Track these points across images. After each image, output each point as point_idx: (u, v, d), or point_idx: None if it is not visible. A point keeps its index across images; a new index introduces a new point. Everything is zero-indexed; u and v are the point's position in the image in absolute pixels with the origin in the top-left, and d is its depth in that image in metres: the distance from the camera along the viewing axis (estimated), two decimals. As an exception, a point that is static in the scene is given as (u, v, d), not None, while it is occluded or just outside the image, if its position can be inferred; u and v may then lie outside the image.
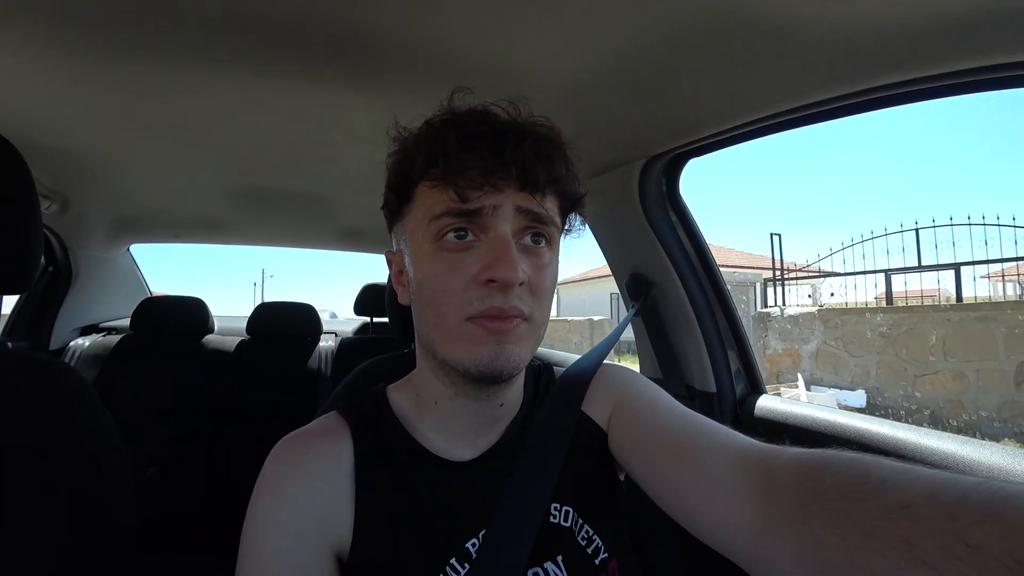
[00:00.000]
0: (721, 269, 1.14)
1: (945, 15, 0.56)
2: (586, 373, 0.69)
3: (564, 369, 0.71)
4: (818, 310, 6.78)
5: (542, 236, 0.53)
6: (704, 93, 0.85)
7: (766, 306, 7.47)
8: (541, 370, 0.70)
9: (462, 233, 0.51)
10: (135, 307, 2.04)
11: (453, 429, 0.58)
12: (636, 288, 1.18)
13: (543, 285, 0.53)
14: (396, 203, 0.57)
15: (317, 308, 2.25)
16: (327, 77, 0.94)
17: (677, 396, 1.19)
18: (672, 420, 0.58)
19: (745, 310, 9.82)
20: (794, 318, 6.75)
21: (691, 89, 0.84)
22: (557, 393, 0.65)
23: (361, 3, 0.72)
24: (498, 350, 0.49)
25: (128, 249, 2.49)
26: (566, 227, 0.59)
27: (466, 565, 0.52)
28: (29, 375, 0.72)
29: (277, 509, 0.51)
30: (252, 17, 0.76)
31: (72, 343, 2.03)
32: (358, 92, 0.99)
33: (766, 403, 1.08)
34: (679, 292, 1.12)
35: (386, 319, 2.26)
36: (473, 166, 0.49)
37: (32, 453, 0.67)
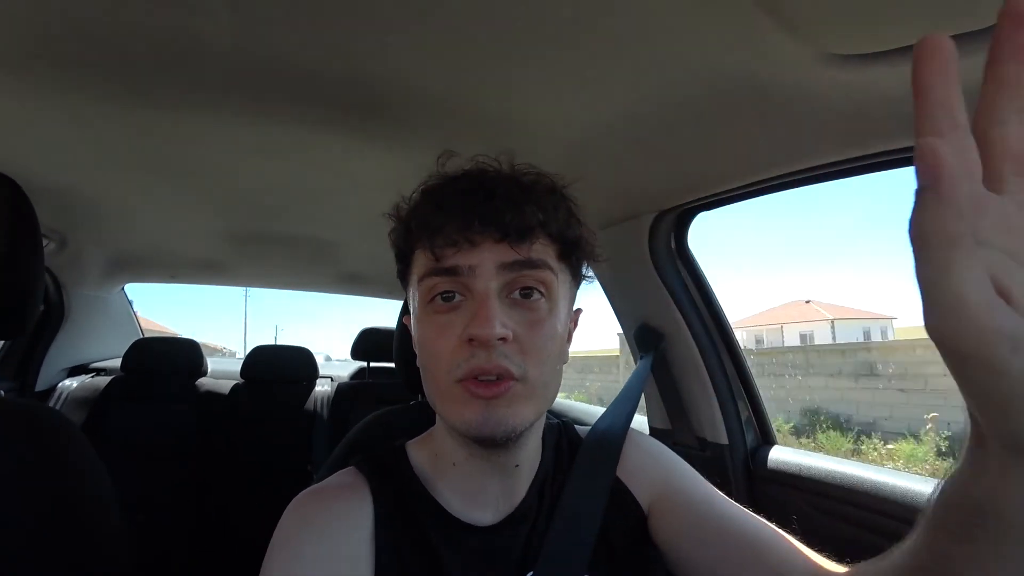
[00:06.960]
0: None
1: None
2: (616, 436, 0.66)
3: (588, 428, 0.69)
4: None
5: (534, 289, 0.50)
6: (714, 152, 0.86)
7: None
8: (562, 430, 0.67)
9: (449, 295, 0.50)
10: (126, 348, 2.00)
11: (472, 491, 0.56)
12: (645, 340, 1.17)
13: (535, 342, 0.49)
14: (401, 270, 0.58)
15: (312, 351, 2.22)
16: (332, 126, 0.94)
17: (688, 447, 1.18)
18: (735, 523, 0.55)
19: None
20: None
21: (701, 148, 0.86)
22: (587, 458, 0.63)
23: (365, 56, 0.72)
24: (487, 414, 0.47)
25: (123, 288, 2.45)
26: (572, 274, 0.56)
27: None
28: (13, 423, 0.70)
29: (293, 567, 0.49)
30: (257, 67, 0.76)
31: (60, 384, 1.96)
32: (362, 141, 0.99)
33: (779, 455, 1.06)
34: (689, 344, 1.11)
35: (384, 364, 2.22)
36: (446, 223, 0.49)
37: (17, 501, 0.65)
